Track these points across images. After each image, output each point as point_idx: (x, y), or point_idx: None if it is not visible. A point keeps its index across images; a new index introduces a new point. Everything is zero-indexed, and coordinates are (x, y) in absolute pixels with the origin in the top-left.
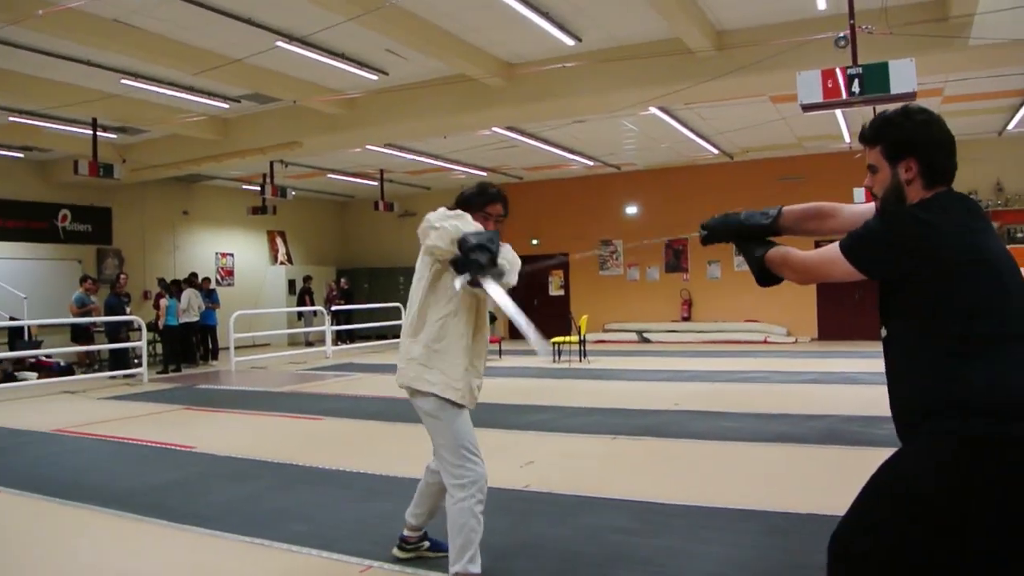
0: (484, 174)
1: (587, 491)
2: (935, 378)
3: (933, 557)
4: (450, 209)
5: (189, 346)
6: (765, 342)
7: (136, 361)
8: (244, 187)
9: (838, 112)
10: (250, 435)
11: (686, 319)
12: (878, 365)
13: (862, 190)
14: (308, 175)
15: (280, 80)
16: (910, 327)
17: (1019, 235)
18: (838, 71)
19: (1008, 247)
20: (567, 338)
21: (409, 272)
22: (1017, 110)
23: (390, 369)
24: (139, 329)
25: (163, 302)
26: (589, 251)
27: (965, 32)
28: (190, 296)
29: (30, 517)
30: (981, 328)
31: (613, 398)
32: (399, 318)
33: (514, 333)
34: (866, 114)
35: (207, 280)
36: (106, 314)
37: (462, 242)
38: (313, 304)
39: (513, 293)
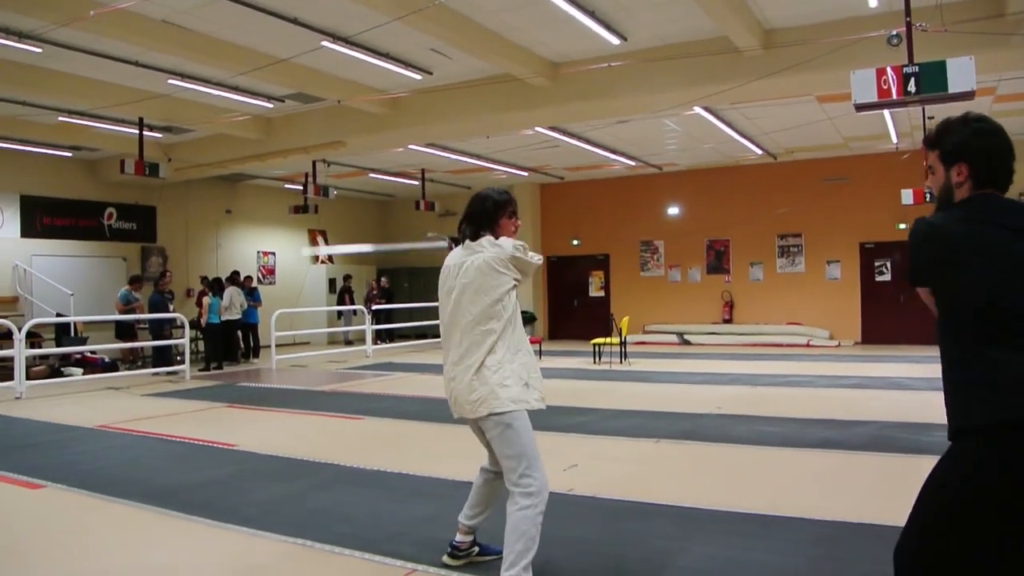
0: (525, 174)
1: (630, 496)
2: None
3: (993, 555)
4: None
5: (231, 344)
6: (807, 345)
7: (179, 358)
8: (286, 186)
9: (886, 112)
10: (290, 434)
11: (727, 321)
12: (924, 370)
13: (910, 191)
14: (350, 174)
15: (324, 80)
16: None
17: None
18: (890, 70)
19: None
20: (607, 340)
21: None
22: None
23: (430, 369)
24: (182, 326)
25: (206, 300)
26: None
27: (1022, 29)
28: (232, 294)
29: (73, 512)
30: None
31: (654, 401)
32: (439, 318)
33: (554, 334)
34: (914, 115)
35: (249, 278)
36: (149, 311)
37: None
38: (353, 303)
39: (554, 293)
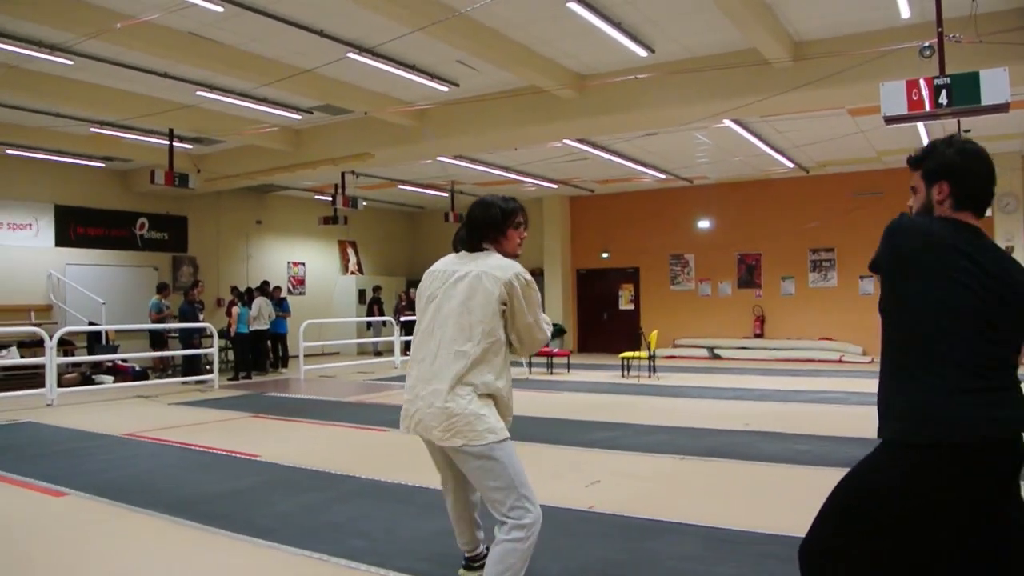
0: (555, 186)
1: (653, 514)
2: None
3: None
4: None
5: (259, 354)
6: (840, 361)
7: (208, 367)
8: (316, 197)
9: (920, 125)
10: (314, 445)
11: (758, 336)
12: None
13: None
14: (379, 186)
15: (351, 91)
16: None
17: None
18: (922, 82)
19: None
20: (636, 353)
21: None
22: None
23: None
24: (211, 336)
25: (235, 310)
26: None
27: None
28: (260, 304)
29: (90, 521)
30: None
31: (682, 416)
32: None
33: (583, 346)
34: (950, 128)
35: (278, 289)
36: (180, 321)
37: None
38: (382, 314)
39: (583, 306)
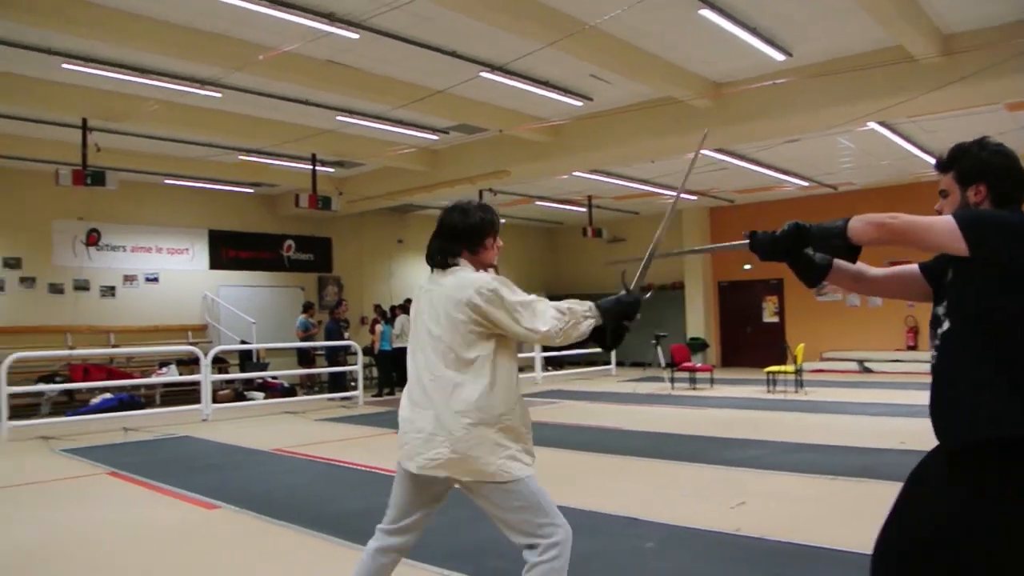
0: (694, 197)
1: (803, 539)
2: None
3: None
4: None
5: (402, 371)
6: None
7: (352, 384)
8: None
9: None
10: None
11: (912, 348)
12: None
13: None
14: (516, 202)
15: (485, 110)
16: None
17: None
18: None
19: None
20: (782, 367)
21: None
22: None
23: (598, 397)
24: (356, 353)
25: (378, 328)
26: None
27: None
28: (403, 322)
29: (242, 534)
30: None
31: (831, 434)
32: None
33: (727, 360)
34: None
35: None
36: (325, 339)
37: (605, 312)
38: None
39: (726, 319)
